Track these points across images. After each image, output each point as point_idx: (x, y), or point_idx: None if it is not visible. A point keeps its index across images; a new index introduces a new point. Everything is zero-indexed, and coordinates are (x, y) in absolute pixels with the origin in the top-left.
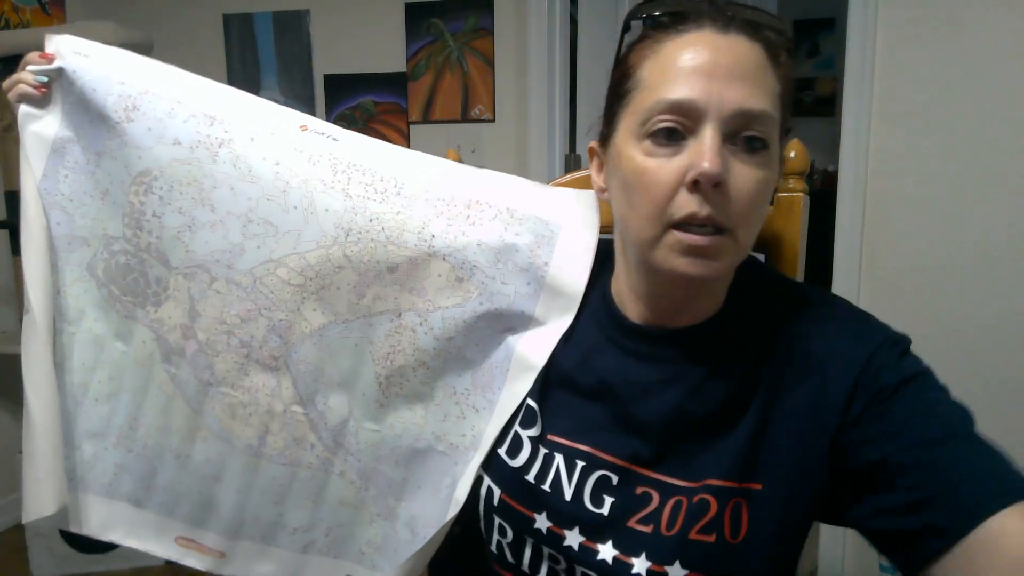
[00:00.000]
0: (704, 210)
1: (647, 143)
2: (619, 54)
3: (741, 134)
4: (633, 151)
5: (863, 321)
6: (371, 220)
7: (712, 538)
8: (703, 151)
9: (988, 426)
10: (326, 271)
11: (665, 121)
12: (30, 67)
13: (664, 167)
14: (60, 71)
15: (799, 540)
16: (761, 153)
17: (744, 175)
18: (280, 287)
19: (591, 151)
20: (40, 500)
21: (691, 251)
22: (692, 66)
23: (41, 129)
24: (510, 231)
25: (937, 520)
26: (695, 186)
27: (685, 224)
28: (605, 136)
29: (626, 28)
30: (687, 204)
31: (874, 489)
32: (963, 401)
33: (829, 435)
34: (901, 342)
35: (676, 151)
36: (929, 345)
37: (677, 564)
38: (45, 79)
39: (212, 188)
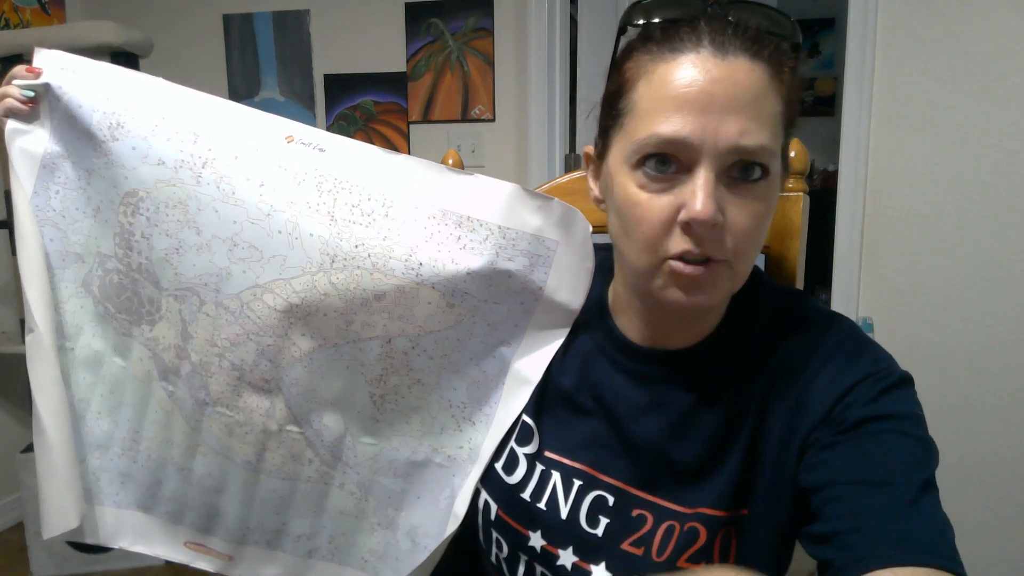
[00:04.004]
0: (698, 249)
1: (639, 174)
2: (615, 57)
3: (737, 165)
4: (626, 179)
5: (857, 351)
6: (356, 246)
7: (701, 566)
8: (696, 192)
9: (987, 424)
10: (312, 298)
11: (657, 155)
12: (16, 81)
13: (657, 202)
14: (47, 87)
15: (785, 559)
16: (759, 184)
17: (741, 210)
18: (267, 313)
19: (586, 156)
20: (62, 514)
21: (687, 282)
22: (686, 98)
23: (29, 145)
24: (503, 256)
25: (834, 557)
26: (688, 227)
27: (680, 258)
28: (600, 148)
29: (622, 31)
30: (681, 243)
31: (810, 514)
32: (933, 449)
33: (797, 456)
34: (888, 378)
35: (669, 185)
36: (929, 344)
37: None
38: (32, 94)
39: (197, 210)
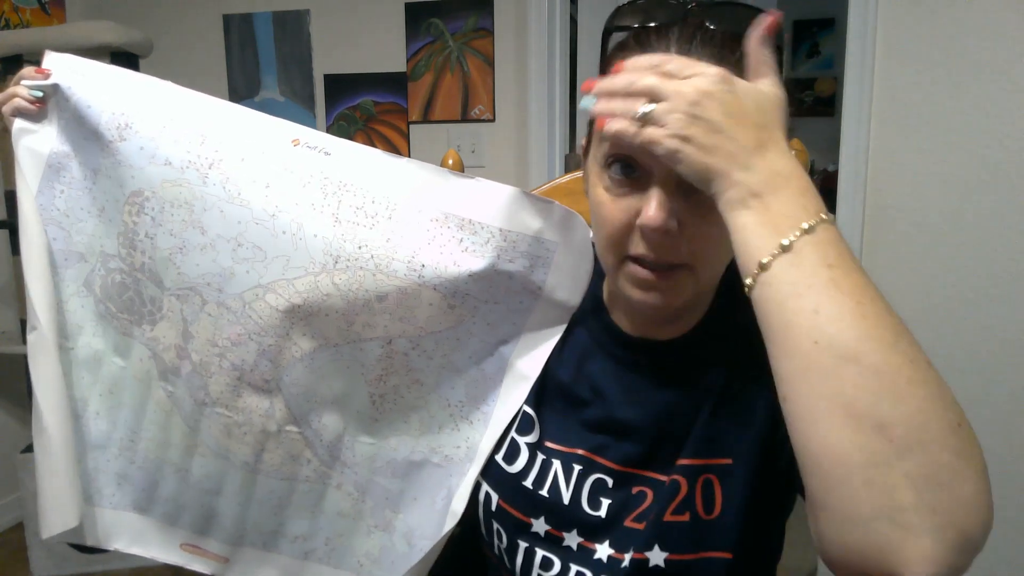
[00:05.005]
0: (652, 254)
1: (606, 176)
2: (601, 62)
3: None
4: (596, 180)
5: None
6: (360, 247)
7: (686, 517)
8: (649, 200)
9: (988, 425)
10: (314, 298)
11: (619, 158)
12: (25, 81)
13: (618, 205)
14: (56, 87)
15: (777, 514)
16: None
17: (703, 220)
18: (269, 313)
19: (582, 148)
20: (62, 513)
21: (644, 284)
22: None
23: (35, 144)
24: (504, 258)
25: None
26: (644, 232)
27: (638, 260)
28: (586, 145)
29: (607, 34)
30: (638, 246)
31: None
32: None
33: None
34: None
35: (631, 190)
36: (929, 344)
37: (656, 548)
38: (40, 94)
39: (203, 211)
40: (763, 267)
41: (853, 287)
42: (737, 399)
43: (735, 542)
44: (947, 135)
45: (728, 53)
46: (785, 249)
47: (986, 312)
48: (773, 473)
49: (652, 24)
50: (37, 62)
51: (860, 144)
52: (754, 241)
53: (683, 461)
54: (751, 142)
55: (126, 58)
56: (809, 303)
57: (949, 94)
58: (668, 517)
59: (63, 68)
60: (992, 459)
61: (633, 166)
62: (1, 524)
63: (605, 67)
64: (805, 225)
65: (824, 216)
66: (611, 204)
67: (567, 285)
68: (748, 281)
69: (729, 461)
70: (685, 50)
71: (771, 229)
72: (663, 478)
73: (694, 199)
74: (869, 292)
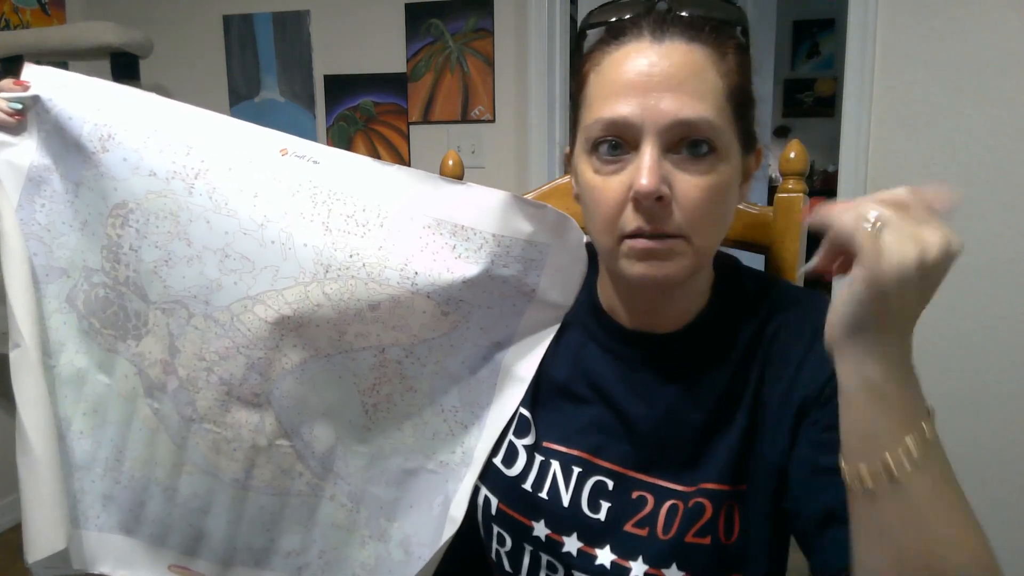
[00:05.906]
0: (649, 225)
1: (594, 160)
2: (578, 61)
3: (683, 142)
4: (585, 166)
5: None
6: (351, 256)
7: (708, 540)
8: (640, 168)
9: (987, 425)
10: (305, 308)
11: (606, 139)
12: (3, 94)
13: (609, 184)
14: (35, 99)
15: (788, 536)
16: (707, 158)
17: (688, 184)
18: (258, 324)
19: (566, 156)
20: (48, 536)
21: (645, 255)
22: (626, 82)
23: (15, 157)
24: (498, 263)
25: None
26: (638, 203)
27: (635, 235)
28: (571, 144)
29: (582, 36)
30: (633, 220)
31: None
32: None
33: (790, 430)
34: None
35: (620, 167)
36: (928, 344)
37: (674, 567)
38: (19, 106)
39: (188, 222)
40: (892, 476)
41: (959, 505)
42: (752, 410)
43: (751, 567)
44: (947, 135)
45: (697, 32)
46: (913, 460)
47: (986, 311)
48: (783, 495)
49: (624, 17)
50: (36, 63)
51: (860, 144)
52: (883, 428)
53: (708, 485)
54: (912, 321)
55: (126, 58)
56: (929, 532)
57: (949, 94)
58: (690, 539)
59: (43, 80)
60: (992, 458)
61: (620, 145)
62: (1, 524)
63: (583, 65)
64: (926, 430)
65: (929, 411)
66: (602, 184)
67: (560, 286)
68: (863, 472)
69: (744, 487)
70: (658, 36)
71: (898, 422)
72: (665, 484)
73: (684, 164)
74: (965, 505)
